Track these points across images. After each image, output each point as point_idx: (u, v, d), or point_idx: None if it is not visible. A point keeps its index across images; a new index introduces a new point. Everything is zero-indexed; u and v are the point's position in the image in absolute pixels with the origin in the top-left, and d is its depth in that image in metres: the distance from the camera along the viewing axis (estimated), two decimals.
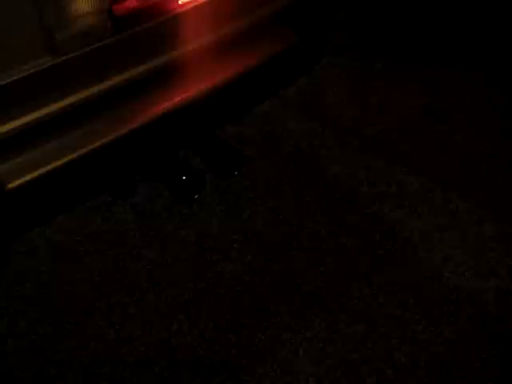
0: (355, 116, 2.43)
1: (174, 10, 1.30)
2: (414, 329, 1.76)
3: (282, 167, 2.19)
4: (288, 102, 2.46)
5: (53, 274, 1.83)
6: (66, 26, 1.15)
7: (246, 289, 1.83)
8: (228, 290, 1.82)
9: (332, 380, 1.65)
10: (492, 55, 2.73)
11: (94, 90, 1.25)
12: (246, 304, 1.80)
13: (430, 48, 2.76)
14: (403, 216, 2.06)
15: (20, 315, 1.73)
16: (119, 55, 1.27)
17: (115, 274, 1.84)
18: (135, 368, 1.65)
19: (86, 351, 1.67)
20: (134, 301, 1.78)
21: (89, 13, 1.17)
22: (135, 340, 1.70)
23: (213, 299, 1.80)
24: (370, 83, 2.59)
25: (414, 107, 2.48)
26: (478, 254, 1.95)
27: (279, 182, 2.14)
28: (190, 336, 1.72)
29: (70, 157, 1.26)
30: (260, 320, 1.76)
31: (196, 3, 1.32)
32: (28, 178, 1.22)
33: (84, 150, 1.28)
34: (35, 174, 1.23)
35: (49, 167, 1.24)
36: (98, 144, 1.30)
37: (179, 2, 1.30)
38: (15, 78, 1.12)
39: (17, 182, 1.21)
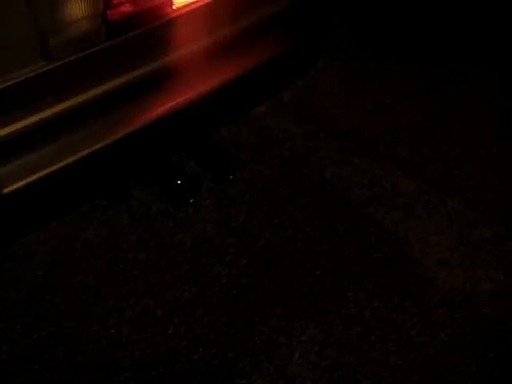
0: (351, 118, 2.43)
1: (169, 14, 1.30)
2: (409, 332, 1.76)
3: (277, 170, 2.19)
4: (284, 105, 2.45)
5: (48, 278, 1.82)
6: (60, 32, 1.15)
7: (241, 292, 1.83)
8: (224, 294, 1.82)
9: (328, 383, 1.65)
10: (490, 55, 2.72)
11: (89, 95, 1.25)
12: (242, 308, 1.80)
13: (426, 48, 2.76)
14: (399, 219, 2.06)
15: (16, 320, 1.73)
16: (113, 60, 1.27)
17: (111, 278, 1.84)
18: (131, 372, 1.65)
19: (82, 356, 1.67)
20: (130, 305, 1.78)
21: (83, 18, 1.17)
22: (131, 344, 1.70)
23: (208, 303, 1.80)
24: (365, 85, 2.58)
25: (411, 108, 2.48)
26: (474, 257, 1.96)
27: (275, 186, 2.13)
28: (185, 340, 1.72)
29: (64, 161, 1.26)
30: (256, 324, 1.76)
31: (190, 8, 1.32)
32: (23, 182, 1.22)
33: (78, 155, 1.28)
34: (30, 178, 1.23)
35: (44, 172, 1.24)
36: (92, 149, 1.29)
37: (173, 7, 1.30)
38: (9, 83, 1.12)
39: (12, 187, 1.21)
